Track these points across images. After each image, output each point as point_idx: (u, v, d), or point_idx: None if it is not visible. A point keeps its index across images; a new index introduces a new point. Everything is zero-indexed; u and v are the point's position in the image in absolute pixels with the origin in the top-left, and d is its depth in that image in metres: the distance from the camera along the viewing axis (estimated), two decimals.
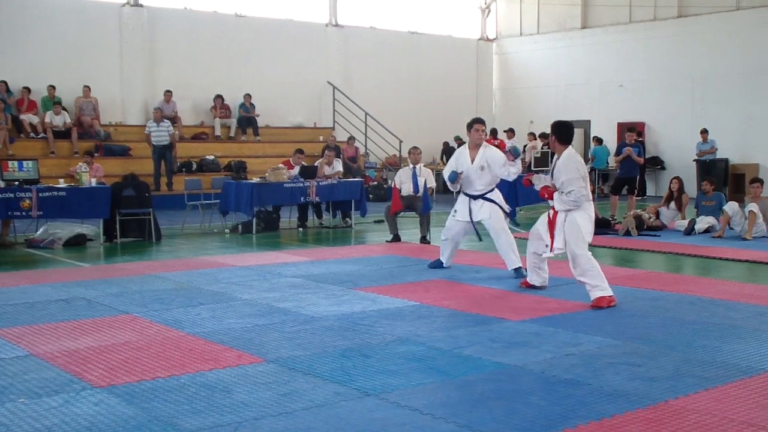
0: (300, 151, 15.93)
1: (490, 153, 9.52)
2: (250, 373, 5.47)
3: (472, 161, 9.53)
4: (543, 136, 22.95)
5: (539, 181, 8.62)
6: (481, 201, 9.54)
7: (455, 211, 9.77)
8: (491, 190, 9.61)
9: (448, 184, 9.86)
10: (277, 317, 7.28)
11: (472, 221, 9.61)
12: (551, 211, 8.13)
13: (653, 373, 5.47)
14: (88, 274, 9.86)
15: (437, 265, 10.09)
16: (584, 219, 7.88)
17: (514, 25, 28.36)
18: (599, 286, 7.76)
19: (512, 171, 9.40)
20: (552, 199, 8.04)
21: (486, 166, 9.45)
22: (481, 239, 10.12)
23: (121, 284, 9.00)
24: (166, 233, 13.81)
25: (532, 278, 8.67)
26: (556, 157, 8.16)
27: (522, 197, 17.02)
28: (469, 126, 9.71)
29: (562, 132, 8.11)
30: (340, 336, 6.56)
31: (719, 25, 22.74)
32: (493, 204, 9.55)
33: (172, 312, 7.53)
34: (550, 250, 8.11)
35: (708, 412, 4.66)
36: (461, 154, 9.73)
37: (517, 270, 9.40)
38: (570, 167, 7.88)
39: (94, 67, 20.61)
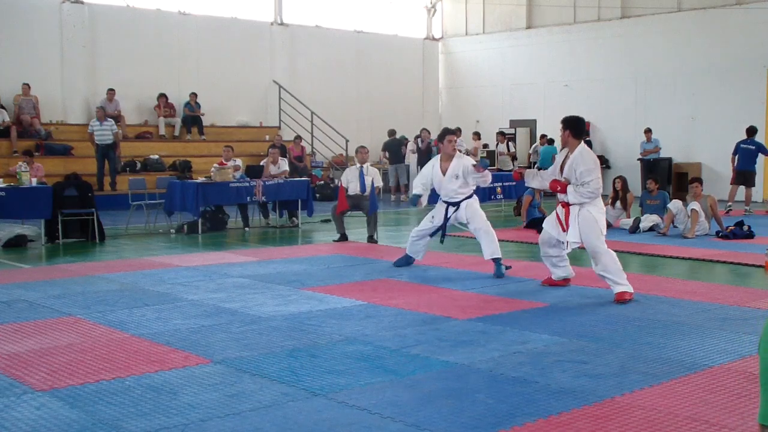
0: (228, 147, 15.68)
1: (465, 162, 9.55)
2: (197, 375, 5.41)
3: (444, 173, 9.58)
4: (501, 134, 23.41)
5: (530, 177, 8.68)
6: (458, 207, 9.59)
7: (432, 216, 9.80)
8: (469, 196, 9.64)
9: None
10: (223, 318, 7.21)
11: (445, 225, 9.65)
12: (560, 208, 8.18)
13: (599, 370, 5.52)
14: (29, 276, 9.68)
15: (402, 263, 10.14)
16: (599, 212, 8.04)
17: (459, 25, 28.47)
18: (621, 283, 7.94)
19: (480, 180, 9.46)
20: (565, 192, 8.05)
21: (460, 175, 9.49)
22: (442, 242, 10.11)
23: (63, 286, 8.84)
24: (110, 234, 13.62)
25: (557, 274, 8.69)
26: (566, 151, 8.19)
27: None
28: (441, 137, 9.78)
29: (577, 127, 8.21)
30: (288, 336, 6.52)
31: (661, 25, 23.06)
32: (471, 206, 9.57)
33: (116, 313, 7.42)
34: (567, 246, 8.21)
35: (653, 408, 4.71)
36: (434, 166, 9.79)
37: (496, 260, 9.41)
38: (588, 159, 8.00)
39: (34, 65, 20.20)
